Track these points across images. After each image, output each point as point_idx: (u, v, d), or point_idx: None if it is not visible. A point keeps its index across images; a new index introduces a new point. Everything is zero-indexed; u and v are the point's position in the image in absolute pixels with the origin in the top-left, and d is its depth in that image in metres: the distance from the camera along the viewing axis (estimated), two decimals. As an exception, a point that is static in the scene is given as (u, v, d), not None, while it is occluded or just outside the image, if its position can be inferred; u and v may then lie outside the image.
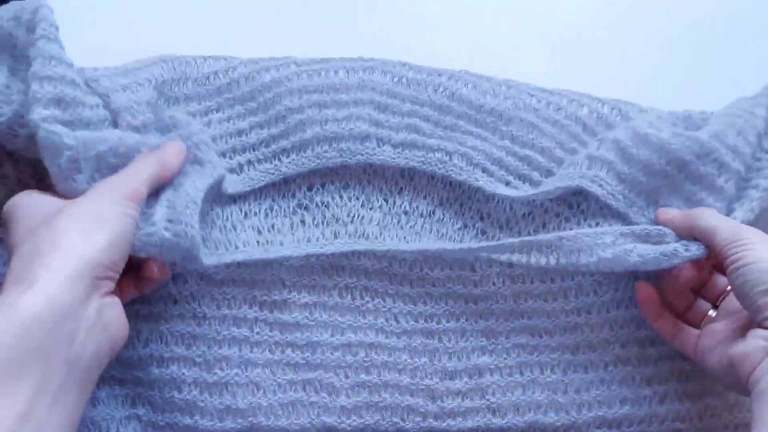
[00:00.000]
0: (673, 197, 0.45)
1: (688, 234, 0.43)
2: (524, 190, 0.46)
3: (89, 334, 0.34)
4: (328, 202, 0.46)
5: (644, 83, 0.53)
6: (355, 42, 0.49)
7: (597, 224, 0.46)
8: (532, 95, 0.47)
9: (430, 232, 0.47)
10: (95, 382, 0.36)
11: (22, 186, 0.42)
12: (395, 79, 0.47)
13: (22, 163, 0.43)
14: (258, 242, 0.45)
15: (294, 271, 0.45)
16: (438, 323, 0.46)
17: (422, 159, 0.46)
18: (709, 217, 0.42)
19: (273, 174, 0.46)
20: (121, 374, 0.44)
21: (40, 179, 0.43)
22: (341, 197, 0.47)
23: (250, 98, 0.46)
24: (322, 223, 0.46)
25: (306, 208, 0.47)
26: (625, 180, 0.45)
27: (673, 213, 0.44)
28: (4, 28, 0.40)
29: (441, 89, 0.47)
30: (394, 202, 0.47)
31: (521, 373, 0.46)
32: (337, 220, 0.46)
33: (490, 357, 0.46)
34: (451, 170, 0.46)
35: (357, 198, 0.47)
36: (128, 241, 0.37)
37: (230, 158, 0.46)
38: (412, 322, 0.46)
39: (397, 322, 0.46)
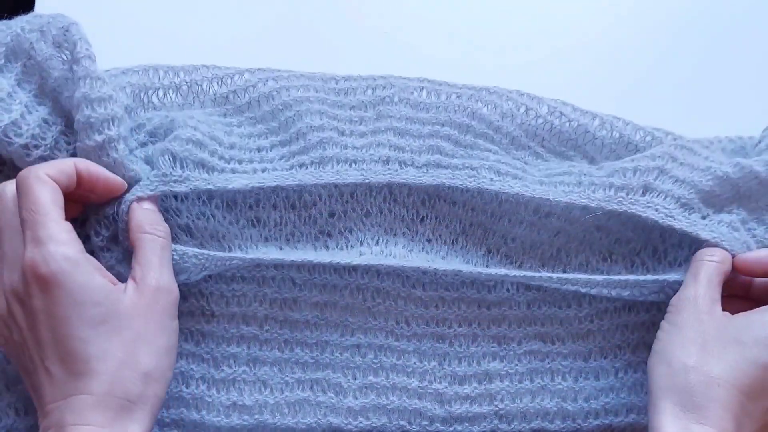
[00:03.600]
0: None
1: None
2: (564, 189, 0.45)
3: None
4: (351, 227, 0.46)
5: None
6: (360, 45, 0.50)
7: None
8: (553, 110, 0.47)
9: (455, 259, 0.46)
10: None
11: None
12: (413, 105, 0.46)
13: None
14: None
15: (305, 270, 0.45)
16: (449, 327, 0.46)
17: (450, 175, 0.44)
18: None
19: (287, 179, 0.43)
20: None
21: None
22: (363, 224, 0.46)
23: (271, 118, 0.46)
24: (347, 247, 0.45)
25: (329, 235, 0.46)
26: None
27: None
28: (23, 38, 0.40)
29: (461, 110, 0.46)
30: (417, 231, 0.46)
31: (531, 380, 0.46)
32: (362, 244, 0.45)
33: (500, 363, 0.46)
34: (483, 182, 0.44)
35: (380, 225, 0.46)
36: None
37: (247, 164, 0.44)
38: (423, 326, 0.46)
39: (408, 324, 0.46)
